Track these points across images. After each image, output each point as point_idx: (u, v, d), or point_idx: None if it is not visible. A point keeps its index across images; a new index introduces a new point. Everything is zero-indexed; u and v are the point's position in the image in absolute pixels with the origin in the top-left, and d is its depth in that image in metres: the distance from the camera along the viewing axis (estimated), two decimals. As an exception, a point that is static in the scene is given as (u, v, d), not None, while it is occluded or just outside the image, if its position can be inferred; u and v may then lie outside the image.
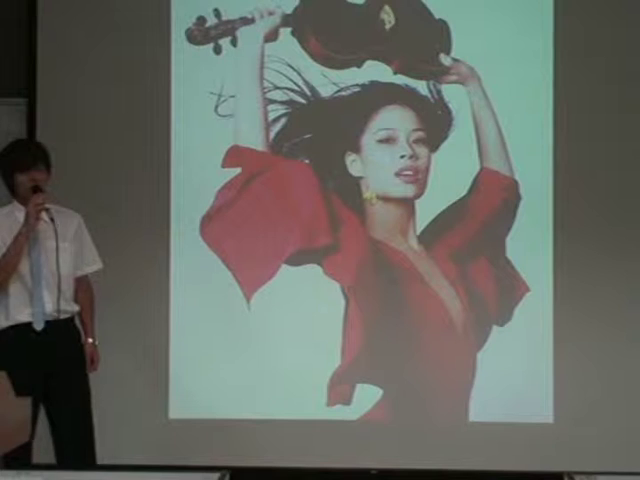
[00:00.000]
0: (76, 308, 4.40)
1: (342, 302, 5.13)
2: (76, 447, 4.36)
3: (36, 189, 4.25)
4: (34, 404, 4.15)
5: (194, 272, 5.16)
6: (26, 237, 4.24)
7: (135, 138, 5.17)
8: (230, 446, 5.10)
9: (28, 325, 4.27)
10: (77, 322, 4.46)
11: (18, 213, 4.30)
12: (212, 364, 5.13)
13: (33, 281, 4.25)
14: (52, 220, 4.26)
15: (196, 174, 5.19)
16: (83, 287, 4.47)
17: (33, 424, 4.20)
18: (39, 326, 4.26)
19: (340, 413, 5.11)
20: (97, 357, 4.46)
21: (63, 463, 4.32)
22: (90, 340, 4.45)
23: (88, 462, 4.34)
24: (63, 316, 4.32)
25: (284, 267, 5.13)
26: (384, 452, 5.10)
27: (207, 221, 5.18)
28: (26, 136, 5.19)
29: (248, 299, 5.13)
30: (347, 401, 5.12)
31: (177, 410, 5.14)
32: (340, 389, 5.11)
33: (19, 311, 4.27)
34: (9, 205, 4.37)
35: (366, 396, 5.10)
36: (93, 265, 4.50)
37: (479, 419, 5.11)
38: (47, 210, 4.26)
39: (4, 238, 4.26)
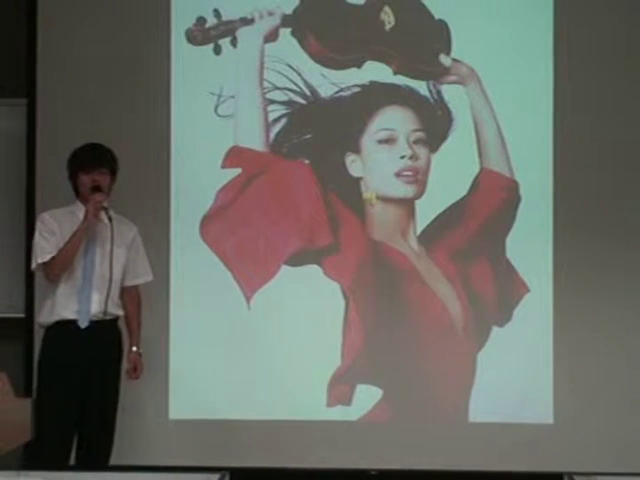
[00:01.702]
0: (120, 312, 4.51)
1: (342, 302, 5.13)
2: (98, 445, 4.45)
3: (96, 189, 4.40)
4: (75, 400, 4.30)
5: (194, 272, 5.16)
6: (83, 233, 4.37)
7: (135, 138, 5.17)
8: (230, 447, 5.10)
9: (72, 322, 4.38)
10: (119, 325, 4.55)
11: (79, 212, 4.44)
12: (212, 365, 5.13)
13: (84, 280, 4.38)
14: (110, 220, 4.40)
15: (196, 174, 5.19)
16: (133, 296, 4.60)
17: (75, 422, 4.31)
18: (83, 324, 4.38)
19: (340, 414, 5.11)
20: (140, 366, 4.58)
21: (81, 460, 4.42)
22: (134, 349, 4.57)
23: (104, 461, 4.45)
24: (108, 317, 4.44)
25: (284, 267, 5.13)
26: (384, 453, 5.10)
27: (207, 221, 5.18)
28: (26, 136, 5.20)
29: (248, 300, 5.13)
30: (347, 402, 5.12)
31: (177, 410, 5.14)
32: (340, 389, 5.11)
33: (65, 307, 4.40)
34: (72, 205, 4.50)
35: (366, 397, 5.10)
36: (144, 276, 4.63)
37: (479, 420, 5.10)
38: (106, 210, 4.39)
39: (64, 235, 4.40)
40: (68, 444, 4.38)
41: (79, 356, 4.36)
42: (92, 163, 4.44)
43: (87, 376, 4.37)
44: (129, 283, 4.56)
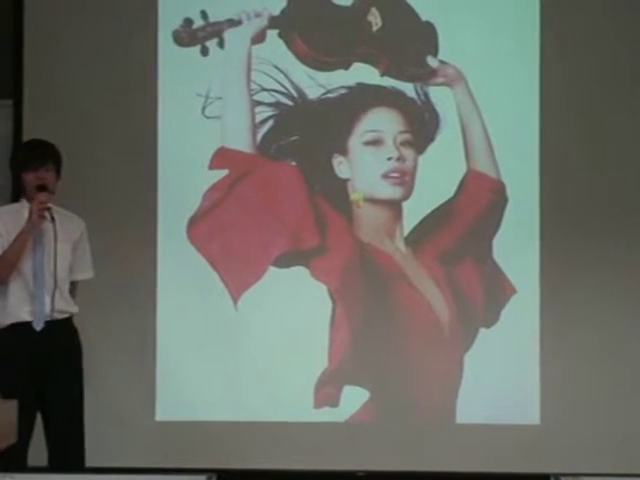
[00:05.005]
0: (74, 309, 4.42)
1: (329, 304, 5.13)
2: (67, 448, 4.36)
3: (41, 188, 4.30)
4: (31, 404, 4.18)
5: (181, 274, 5.15)
6: (28, 235, 4.28)
7: (122, 139, 5.16)
8: (217, 448, 5.09)
9: (27, 324, 4.29)
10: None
11: (25, 211, 4.33)
12: (199, 366, 5.13)
13: (35, 281, 4.28)
14: (53, 220, 4.29)
15: (183, 176, 5.19)
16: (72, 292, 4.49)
17: (31, 425, 4.23)
18: (39, 326, 4.28)
19: (327, 415, 5.11)
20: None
21: (53, 464, 4.33)
22: None
23: (77, 463, 4.35)
24: (61, 316, 4.35)
25: (271, 269, 5.13)
26: (371, 454, 5.10)
27: (194, 223, 5.17)
28: (12, 137, 5.19)
29: (235, 301, 5.13)
30: (334, 403, 5.12)
31: (164, 412, 5.14)
32: (327, 391, 5.11)
33: (19, 310, 4.29)
34: (18, 203, 4.42)
35: (353, 398, 5.11)
36: (86, 273, 4.51)
37: (466, 421, 5.11)
38: (49, 209, 4.28)
39: (10, 234, 4.31)
40: (26, 445, 4.24)
41: (37, 358, 4.26)
42: (37, 160, 4.33)
43: (47, 377, 4.28)
44: (71, 278, 4.42)
